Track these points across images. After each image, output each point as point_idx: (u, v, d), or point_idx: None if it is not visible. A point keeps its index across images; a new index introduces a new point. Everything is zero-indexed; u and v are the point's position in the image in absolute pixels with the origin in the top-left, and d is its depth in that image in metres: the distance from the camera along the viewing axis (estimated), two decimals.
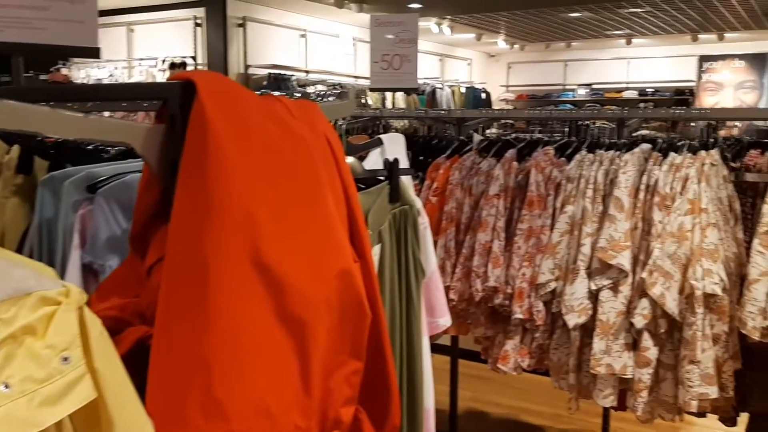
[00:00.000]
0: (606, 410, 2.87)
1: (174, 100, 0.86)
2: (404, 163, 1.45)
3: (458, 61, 12.58)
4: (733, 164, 2.47)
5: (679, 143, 2.34)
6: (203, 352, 0.85)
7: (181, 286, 0.86)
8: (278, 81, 7.89)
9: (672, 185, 2.20)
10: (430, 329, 1.56)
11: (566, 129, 4.58)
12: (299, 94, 7.40)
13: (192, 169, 0.86)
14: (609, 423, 2.89)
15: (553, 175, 2.43)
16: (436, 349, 3.06)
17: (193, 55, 8.12)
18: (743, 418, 2.59)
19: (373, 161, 1.42)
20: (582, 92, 12.27)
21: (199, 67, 8.06)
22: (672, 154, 2.28)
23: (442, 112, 2.94)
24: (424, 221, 1.47)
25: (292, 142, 0.98)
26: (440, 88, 9.99)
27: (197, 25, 8.14)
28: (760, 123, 6.89)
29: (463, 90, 10.92)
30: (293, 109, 1.03)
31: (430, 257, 1.50)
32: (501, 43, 11.85)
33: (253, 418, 0.87)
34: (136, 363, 0.86)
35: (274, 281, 0.90)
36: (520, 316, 2.36)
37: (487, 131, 4.25)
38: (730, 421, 2.62)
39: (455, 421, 3.21)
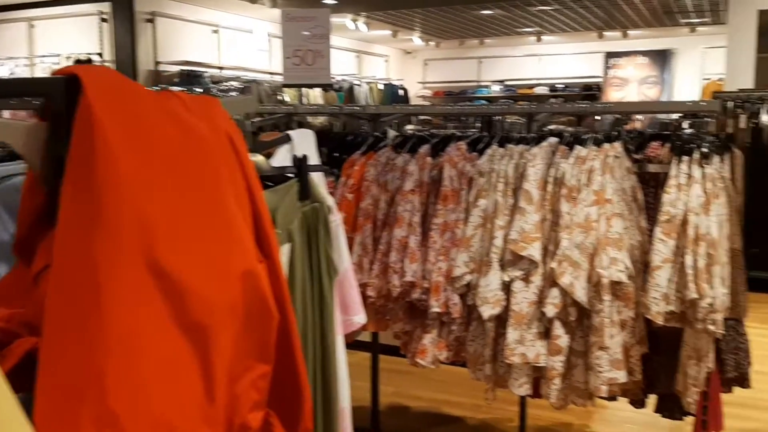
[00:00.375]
0: (523, 398, 2.94)
1: (57, 96, 0.81)
2: (314, 160, 1.43)
3: (375, 58, 12.62)
4: (636, 156, 2.57)
5: (585, 136, 2.42)
6: (96, 363, 0.80)
7: (70, 294, 0.81)
8: (191, 78, 7.68)
9: (578, 177, 2.26)
10: (344, 327, 1.54)
11: (478, 124, 4.66)
12: (215, 91, 7.21)
13: (79, 170, 0.81)
14: (526, 410, 2.96)
15: (466, 169, 2.46)
16: (356, 345, 3.07)
17: (99, 51, 7.80)
18: (652, 399, 2.71)
19: (282, 158, 1.38)
20: (496, 88, 12.54)
21: (106, 64, 7.75)
22: (578, 147, 2.35)
23: (356, 108, 2.92)
24: (335, 218, 1.45)
25: (189, 139, 0.94)
26: (358, 85, 9.99)
27: (103, 20, 7.82)
28: (662, 116, 7.25)
29: (381, 87, 10.96)
30: (191, 104, 0.99)
31: (343, 255, 1.48)
32: (417, 39, 11.96)
33: (152, 430, 0.83)
34: (27, 376, 0.80)
35: (171, 286, 0.86)
36: (437, 309, 2.38)
37: (406, 128, 4.28)
38: (639, 404, 2.73)
39: (377, 417, 3.21)
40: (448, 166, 2.45)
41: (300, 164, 1.31)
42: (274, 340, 1.04)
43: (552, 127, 4.92)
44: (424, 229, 2.45)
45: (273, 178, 1.30)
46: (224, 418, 0.95)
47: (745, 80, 6.71)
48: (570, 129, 4.20)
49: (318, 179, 1.45)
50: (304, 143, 1.42)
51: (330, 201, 1.43)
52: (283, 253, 1.23)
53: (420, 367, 2.52)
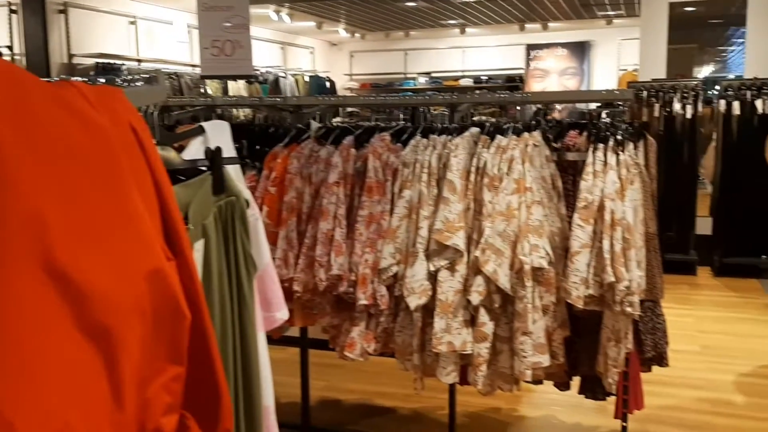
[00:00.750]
0: (452, 386, 2.97)
1: None
2: (229, 152, 1.38)
3: (300, 50, 12.48)
4: (554, 145, 2.62)
5: (505, 126, 2.45)
6: None
7: None
8: (107, 71, 7.39)
9: (499, 166, 2.29)
10: (267, 324, 1.51)
11: (401, 116, 4.67)
12: (119, 81, 6.91)
13: None
14: (455, 398, 2.99)
15: (390, 160, 2.46)
16: (285, 341, 3.03)
17: (8, 44, 7.40)
18: (576, 381, 2.78)
19: (195, 151, 1.33)
20: (422, 80, 12.63)
21: (16, 58, 7.37)
22: (498, 137, 2.38)
23: (278, 99, 2.87)
24: (253, 212, 1.41)
25: (88, 132, 0.89)
26: (283, 77, 9.86)
27: (12, 11, 7.42)
28: (582, 106, 7.47)
29: (306, 79, 10.86)
30: (90, 95, 0.93)
31: (263, 250, 1.45)
32: (342, 31, 11.90)
33: None
34: None
35: (71, 288, 0.81)
36: (364, 302, 2.37)
37: (333, 120, 4.24)
38: (563, 386, 2.80)
39: (308, 412, 3.19)
40: (373, 158, 2.43)
41: (213, 157, 1.26)
42: (187, 340, 1.00)
43: (476, 118, 5.00)
44: (350, 222, 2.44)
45: (185, 172, 1.25)
46: (135, 424, 0.91)
47: (658, 71, 6.98)
48: (493, 120, 4.26)
49: (234, 172, 1.41)
50: (218, 135, 1.37)
51: (247, 194, 1.39)
52: (197, 249, 1.19)
53: (349, 360, 2.50)
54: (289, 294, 2.46)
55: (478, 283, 2.25)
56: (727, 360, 3.98)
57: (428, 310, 2.32)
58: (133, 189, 0.92)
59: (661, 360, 2.81)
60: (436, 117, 4.44)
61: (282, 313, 1.53)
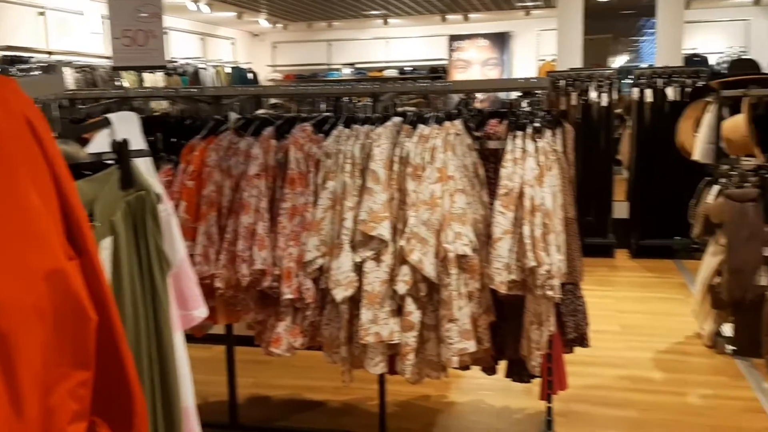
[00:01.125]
0: (382, 375, 2.97)
1: None
2: (138, 144, 1.32)
3: (221, 41, 12.21)
4: (476, 133, 2.64)
5: (427, 115, 2.45)
6: None
7: None
8: (15, 64, 7.00)
9: (422, 155, 2.29)
10: (184, 322, 1.45)
11: (322, 106, 4.63)
12: (13, 71, 6.53)
13: None
14: (385, 388, 3.00)
15: (313, 151, 2.42)
16: (210, 339, 2.96)
17: None
18: (503, 365, 2.83)
19: (101, 144, 1.27)
20: (347, 71, 12.58)
21: None
22: (420, 126, 2.38)
23: (194, 90, 2.78)
24: (166, 207, 1.35)
25: None
26: (203, 69, 9.61)
27: None
28: (503, 95, 7.60)
29: (228, 70, 10.63)
30: None
31: (177, 246, 1.39)
32: (263, 22, 11.70)
33: None
34: None
35: None
36: (289, 296, 2.34)
37: (257, 112, 4.15)
38: (490, 370, 2.85)
39: (235, 410, 3.12)
40: (294, 149, 2.39)
41: (120, 149, 1.20)
42: (94, 343, 0.94)
43: (401, 109, 5.00)
44: (272, 215, 2.39)
45: (90, 166, 1.18)
46: None
47: (575, 60, 7.19)
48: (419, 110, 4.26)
49: (145, 166, 1.35)
50: (125, 127, 1.31)
51: (158, 188, 1.33)
52: (104, 247, 1.13)
53: (275, 356, 2.46)
54: (211, 291, 2.40)
55: (404, 272, 2.25)
56: (645, 338, 4.15)
57: (355, 301, 2.30)
58: (28, 184, 0.86)
59: (582, 341, 2.89)
60: (361, 109, 4.42)
61: (200, 311, 1.48)
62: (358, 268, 2.27)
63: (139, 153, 1.29)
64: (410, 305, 2.27)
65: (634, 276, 5.71)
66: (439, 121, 2.40)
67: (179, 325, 1.40)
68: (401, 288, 2.24)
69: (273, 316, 2.44)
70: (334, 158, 2.37)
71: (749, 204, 3.55)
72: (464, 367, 2.70)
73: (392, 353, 2.39)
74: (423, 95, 3.38)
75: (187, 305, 1.46)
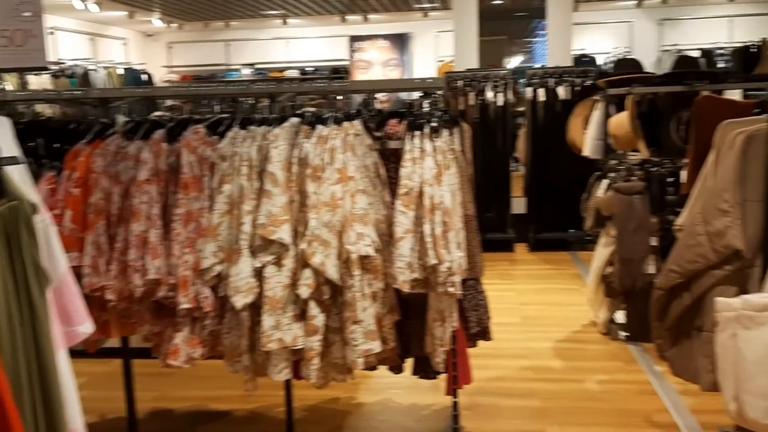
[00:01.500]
0: (288, 381, 2.92)
1: None
2: (10, 151, 1.22)
3: (112, 41, 11.69)
4: (376, 133, 2.64)
5: (325, 116, 2.42)
6: None
7: None
8: None
9: (321, 156, 2.27)
10: (68, 339, 1.36)
11: (217, 108, 4.50)
12: None
13: None
14: (292, 393, 2.95)
15: (207, 154, 2.34)
16: (105, 353, 2.81)
17: None
18: (410, 363, 2.85)
19: None
20: (246, 72, 12.35)
21: None
22: (319, 127, 2.35)
23: (78, 92, 2.63)
24: (43, 218, 1.26)
25: None
26: (94, 70, 9.17)
27: None
28: (405, 96, 7.68)
29: (120, 71, 10.18)
30: None
31: (57, 259, 1.30)
32: (157, 21, 11.29)
33: None
34: None
35: None
36: (186, 305, 2.25)
37: (152, 115, 3.96)
38: (397, 369, 2.86)
39: (135, 426, 2.99)
40: (187, 152, 2.30)
41: None
42: None
43: (302, 110, 4.93)
44: (166, 222, 2.29)
45: None
46: None
47: (472, 61, 7.35)
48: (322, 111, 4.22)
49: (18, 174, 1.25)
50: None
51: (34, 198, 1.24)
52: None
53: (174, 369, 2.37)
54: (102, 303, 2.28)
55: (307, 276, 2.21)
56: (545, 328, 4.29)
57: (256, 308, 2.24)
58: None
59: (485, 334, 2.95)
60: (262, 110, 4.32)
61: (85, 327, 1.39)
62: (258, 274, 2.22)
63: (11, 160, 1.19)
64: (313, 309, 2.23)
65: (533, 269, 5.91)
66: (338, 122, 2.38)
67: (62, 343, 1.31)
68: (304, 292, 2.21)
69: (170, 327, 2.35)
70: (229, 161, 2.30)
71: (636, 197, 3.74)
72: (371, 367, 2.69)
73: (297, 358, 2.35)
74: (323, 96, 3.35)
75: (70, 321, 1.36)
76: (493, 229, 6.22)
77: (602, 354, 3.87)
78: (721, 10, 10.70)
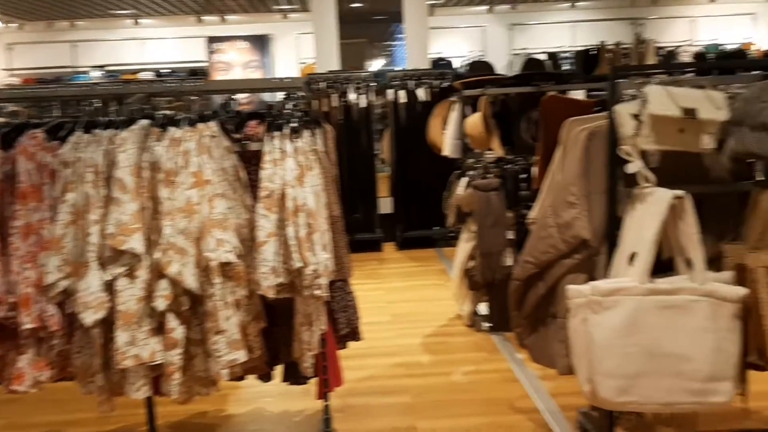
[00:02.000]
0: (149, 398, 2.77)
1: None
2: None
3: None
4: (235, 135, 2.56)
5: (179, 117, 2.31)
6: None
7: None
8: None
9: (175, 160, 2.16)
10: None
11: (57, 112, 4.20)
12: None
13: None
14: (154, 411, 2.80)
15: (46, 161, 2.16)
16: None
17: None
18: (280, 369, 2.78)
19: None
20: (96, 74, 11.65)
21: None
22: (172, 129, 2.24)
23: None
24: None
25: None
26: None
27: None
28: (268, 98, 7.56)
29: None
30: None
31: None
32: None
33: None
34: None
35: None
36: (30, 325, 2.07)
37: None
38: (266, 377, 2.79)
39: None
40: (24, 159, 2.12)
41: None
42: None
43: (164, 113, 4.70)
44: (2, 235, 2.09)
45: None
46: None
47: (333, 63, 7.37)
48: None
49: None
50: None
51: None
52: None
53: (20, 393, 2.17)
54: None
55: (163, 287, 2.10)
56: (414, 325, 4.37)
57: (108, 324, 2.10)
58: None
59: (355, 335, 2.95)
60: (110, 115, 4.07)
61: None
62: (109, 287, 2.08)
63: None
64: (172, 321, 2.12)
65: (401, 267, 6.01)
66: (192, 123, 2.28)
67: None
68: (160, 304, 2.09)
69: (12, 349, 2.15)
70: (73, 167, 2.14)
71: (492, 193, 3.90)
72: (238, 378, 2.60)
73: (156, 374, 2.23)
74: (178, 98, 3.20)
75: None
76: (360, 230, 6.27)
77: (468, 346, 3.99)
78: (564, 16, 11.46)
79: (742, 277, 2.07)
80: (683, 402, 2.06)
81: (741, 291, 2.03)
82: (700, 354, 2.01)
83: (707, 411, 2.39)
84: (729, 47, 10.57)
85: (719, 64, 6.71)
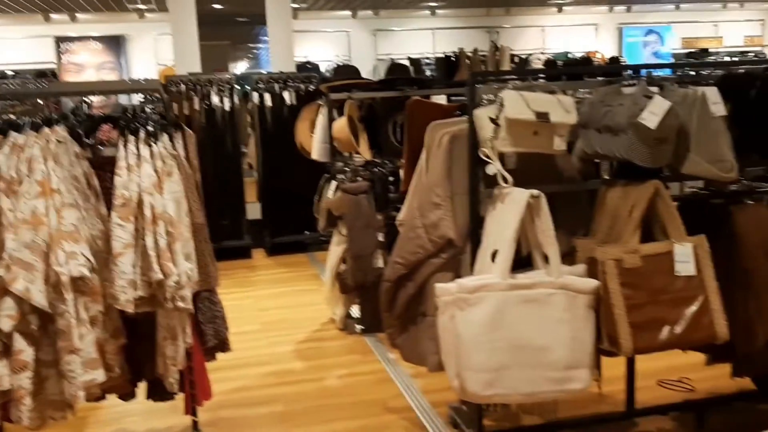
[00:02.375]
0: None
1: None
2: None
3: None
4: (87, 140, 2.41)
5: (21, 121, 2.14)
6: None
7: None
8: None
9: (17, 168, 1.99)
10: None
11: None
12: None
13: None
14: None
15: None
16: None
17: None
18: (144, 387, 2.64)
19: None
20: None
21: None
22: (13, 134, 2.06)
23: None
24: None
25: None
26: None
27: None
28: (125, 101, 7.18)
29: None
30: None
31: None
32: None
33: None
34: None
35: None
36: None
37: None
38: (129, 395, 2.65)
39: None
40: None
41: None
42: None
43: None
44: None
45: None
46: None
47: (194, 65, 7.13)
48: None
49: None
50: None
51: None
52: None
53: None
54: None
55: (8, 305, 1.93)
56: (286, 332, 4.30)
57: None
58: None
59: (224, 346, 2.86)
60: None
61: None
62: None
63: None
64: (19, 342, 1.95)
65: (271, 273, 5.92)
66: (37, 128, 2.11)
67: None
68: (6, 324, 1.92)
69: None
70: None
71: (362, 196, 3.92)
72: (97, 398, 2.44)
73: (5, 400, 2.04)
74: (22, 101, 2.96)
75: None
76: (228, 237, 6.10)
77: (341, 349, 3.99)
78: (425, 23, 11.82)
79: (593, 269, 2.21)
80: (545, 391, 2.17)
81: (593, 283, 2.16)
82: (558, 344, 2.13)
83: (566, 398, 2.53)
84: (577, 55, 11.35)
85: (568, 71, 7.19)
